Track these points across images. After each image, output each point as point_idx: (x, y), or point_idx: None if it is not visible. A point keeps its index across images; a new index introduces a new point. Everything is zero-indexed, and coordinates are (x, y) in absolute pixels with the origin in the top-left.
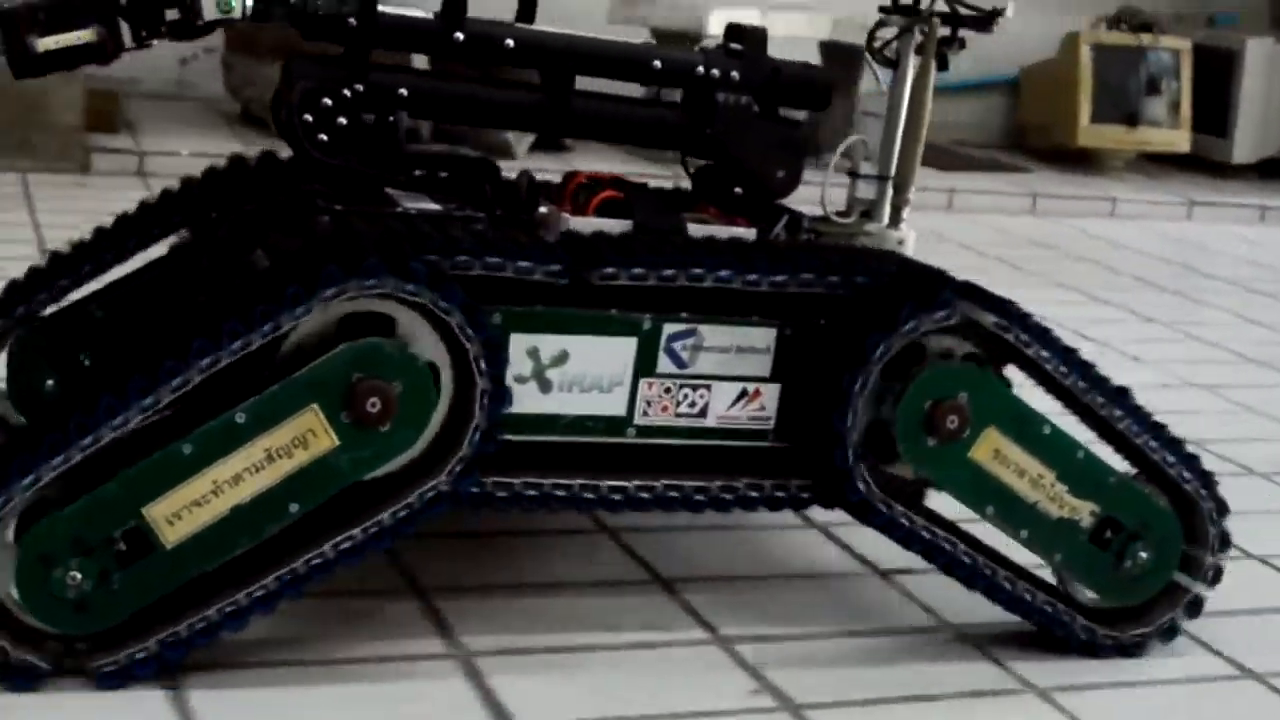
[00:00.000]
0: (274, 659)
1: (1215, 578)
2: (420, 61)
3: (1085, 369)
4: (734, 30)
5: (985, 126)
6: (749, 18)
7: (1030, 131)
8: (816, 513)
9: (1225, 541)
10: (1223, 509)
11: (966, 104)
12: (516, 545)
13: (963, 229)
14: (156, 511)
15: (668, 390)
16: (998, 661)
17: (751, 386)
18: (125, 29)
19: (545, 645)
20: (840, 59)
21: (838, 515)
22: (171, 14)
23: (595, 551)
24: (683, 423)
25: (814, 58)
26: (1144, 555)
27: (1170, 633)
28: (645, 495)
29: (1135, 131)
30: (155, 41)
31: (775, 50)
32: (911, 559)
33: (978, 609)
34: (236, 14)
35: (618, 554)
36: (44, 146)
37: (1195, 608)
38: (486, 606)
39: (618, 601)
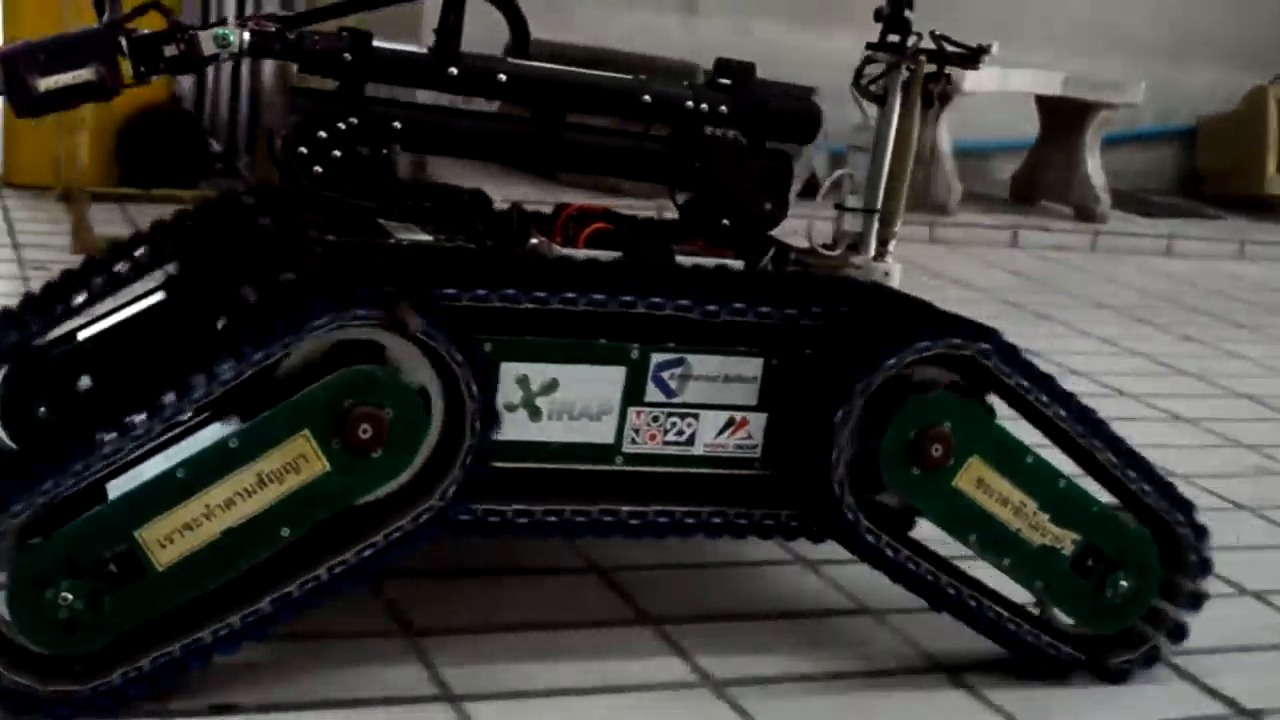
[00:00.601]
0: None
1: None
2: None
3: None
4: (723, 65)
5: (1157, 174)
6: (993, 75)
7: (1210, 179)
8: (806, 549)
9: (1206, 567)
10: (1201, 534)
11: (1141, 153)
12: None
13: (1194, 274)
14: (148, 534)
15: (656, 419)
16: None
17: (739, 415)
18: (125, 66)
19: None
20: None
21: (826, 552)
22: (170, 50)
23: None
24: (671, 450)
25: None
26: (1124, 583)
27: (1151, 659)
28: (663, 520)
29: None
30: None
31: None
32: (898, 596)
33: (962, 645)
34: (234, 48)
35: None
36: None
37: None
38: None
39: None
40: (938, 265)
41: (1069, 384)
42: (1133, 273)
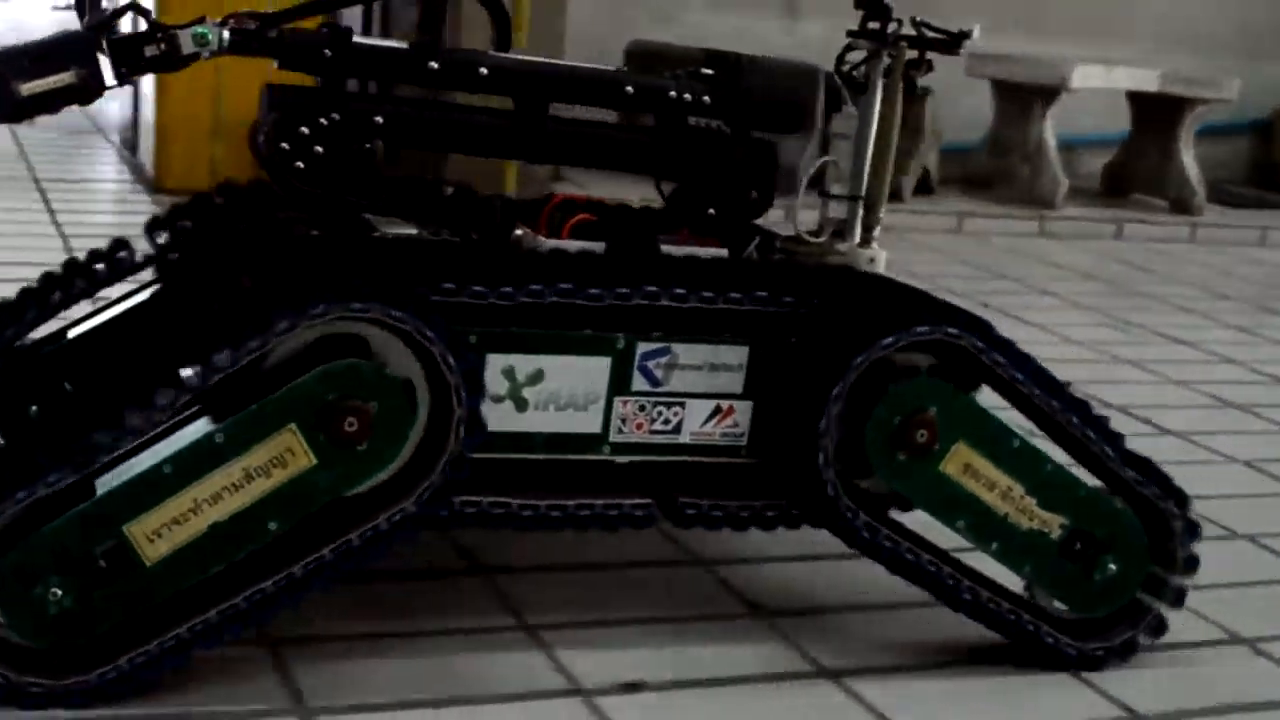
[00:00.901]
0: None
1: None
2: None
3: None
4: (710, 56)
5: (1231, 166)
6: (1097, 72)
7: None
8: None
9: (1194, 530)
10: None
11: (1216, 145)
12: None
13: None
14: (137, 529)
15: (642, 408)
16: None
17: (725, 403)
18: (107, 68)
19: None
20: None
21: None
22: (151, 50)
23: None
24: (658, 439)
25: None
26: (1113, 567)
27: (1156, 629)
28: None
29: None
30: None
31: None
32: None
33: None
34: (214, 47)
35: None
36: None
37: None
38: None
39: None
40: (1055, 258)
41: (1222, 372)
42: (1236, 263)
